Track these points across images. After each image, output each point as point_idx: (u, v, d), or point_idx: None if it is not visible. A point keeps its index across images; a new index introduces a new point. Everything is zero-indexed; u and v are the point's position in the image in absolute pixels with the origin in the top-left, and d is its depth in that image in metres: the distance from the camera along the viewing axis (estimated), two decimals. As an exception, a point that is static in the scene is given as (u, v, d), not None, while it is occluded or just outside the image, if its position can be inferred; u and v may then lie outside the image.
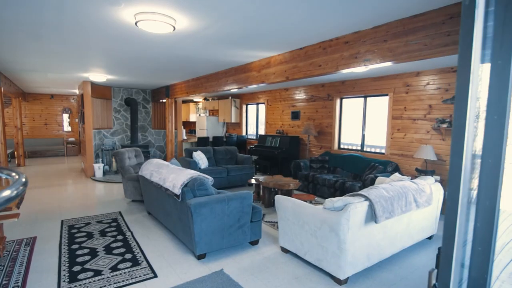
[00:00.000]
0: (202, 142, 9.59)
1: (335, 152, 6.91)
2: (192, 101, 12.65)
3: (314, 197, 4.61)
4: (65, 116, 12.07)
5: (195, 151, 6.73)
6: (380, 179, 4.37)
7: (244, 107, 10.25)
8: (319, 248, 2.87)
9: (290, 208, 3.16)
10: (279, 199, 3.33)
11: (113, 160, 8.07)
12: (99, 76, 6.58)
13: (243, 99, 10.18)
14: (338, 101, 6.89)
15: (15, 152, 9.41)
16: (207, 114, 11.72)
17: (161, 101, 9.73)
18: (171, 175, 3.59)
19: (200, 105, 12.36)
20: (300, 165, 6.61)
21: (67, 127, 12.13)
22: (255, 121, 9.98)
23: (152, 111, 10.03)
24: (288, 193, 4.94)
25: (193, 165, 6.31)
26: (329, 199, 2.82)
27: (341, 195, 5.56)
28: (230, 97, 10.20)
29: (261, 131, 9.64)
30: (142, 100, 9.80)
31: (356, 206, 2.69)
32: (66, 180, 7.32)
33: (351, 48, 3.05)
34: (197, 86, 6.67)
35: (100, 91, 8.43)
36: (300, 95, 7.90)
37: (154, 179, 3.97)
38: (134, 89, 9.55)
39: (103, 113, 8.78)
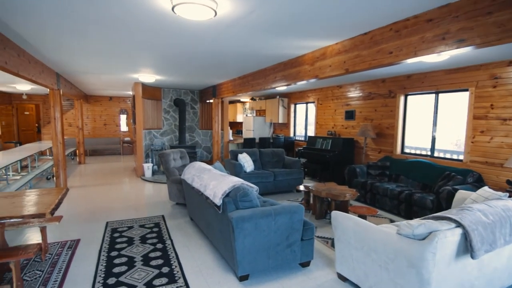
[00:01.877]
0: (248, 143, 9.26)
1: (398, 157, 6.02)
2: (239, 101, 12.46)
3: (377, 211, 3.91)
4: (123, 117, 12.73)
5: (241, 153, 6.38)
6: (462, 193, 3.51)
7: (292, 106, 9.70)
8: (391, 284, 2.24)
9: (351, 229, 2.58)
10: (337, 216, 2.75)
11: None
12: (147, 77, 6.60)
13: (291, 98, 9.64)
14: (402, 98, 5.99)
15: (77, 151, 10.10)
16: (254, 115, 11.40)
17: (208, 101, 9.64)
18: (212, 182, 3.24)
19: (247, 105, 12.10)
20: (356, 171, 5.87)
21: (124, 127, 12.78)
22: (303, 122, 9.37)
23: (199, 111, 9.99)
24: (344, 204, 4.30)
25: (238, 168, 5.97)
26: (405, 222, 2.18)
27: (407, 209, 4.73)
28: (277, 97, 9.73)
29: (310, 132, 9.00)
30: (190, 100, 9.81)
31: (445, 235, 2.02)
32: (118, 179, 7.53)
33: (436, 27, 2.36)
34: (243, 85, 6.32)
35: (151, 92, 8.58)
36: (355, 93, 7.11)
37: (195, 185, 3.66)
38: (183, 90, 9.60)
39: (153, 113, 8.94)
